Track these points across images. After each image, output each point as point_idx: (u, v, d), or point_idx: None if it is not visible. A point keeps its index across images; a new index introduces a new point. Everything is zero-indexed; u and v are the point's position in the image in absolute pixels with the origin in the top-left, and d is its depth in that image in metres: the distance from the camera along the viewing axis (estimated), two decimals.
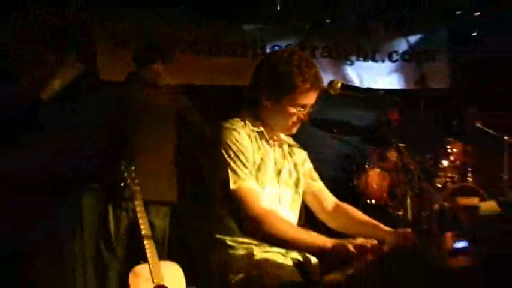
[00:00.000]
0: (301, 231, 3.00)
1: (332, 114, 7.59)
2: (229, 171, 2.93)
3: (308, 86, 3.11)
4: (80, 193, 6.25)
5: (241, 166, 2.96)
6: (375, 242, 2.91)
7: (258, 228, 2.90)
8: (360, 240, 2.87)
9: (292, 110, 3.14)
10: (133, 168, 5.02)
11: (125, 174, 4.96)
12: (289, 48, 3.25)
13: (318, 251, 2.99)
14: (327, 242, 2.91)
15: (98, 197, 5.98)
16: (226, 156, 2.96)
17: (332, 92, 3.39)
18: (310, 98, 3.16)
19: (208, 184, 3.02)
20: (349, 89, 3.57)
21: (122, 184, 4.97)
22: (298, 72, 3.09)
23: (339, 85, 3.38)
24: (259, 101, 3.16)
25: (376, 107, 3.56)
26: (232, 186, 2.90)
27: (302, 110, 3.17)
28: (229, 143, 2.99)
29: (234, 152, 2.97)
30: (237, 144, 3.00)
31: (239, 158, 2.97)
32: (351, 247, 2.82)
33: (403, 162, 4.15)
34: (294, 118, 3.18)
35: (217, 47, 8.06)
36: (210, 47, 8.03)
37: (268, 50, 8.05)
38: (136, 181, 4.95)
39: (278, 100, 3.12)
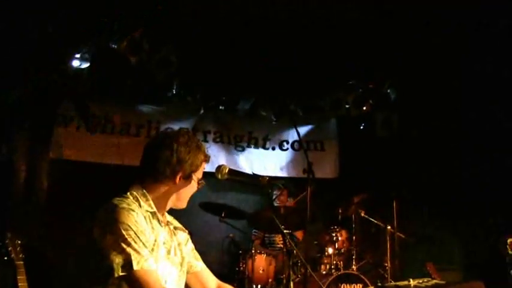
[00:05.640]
0: None
1: (220, 198, 7.71)
2: (131, 251, 2.95)
3: (207, 161, 3.36)
4: None
5: (142, 246, 2.99)
6: None
7: None
8: None
9: (195, 185, 3.33)
10: (19, 242, 4.88)
11: (10, 248, 4.80)
12: (181, 130, 3.33)
13: None
14: None
15: None
16: (127, 236, 2.97)
17: (219, 177, 3.52)
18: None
19: (105, 262, 2.99)
20: (236, 174, 3.68)
21: (5, 258, 4.80)
22: (200, 151, 3.31)
23: (226, 170, 3.53)
24: (163, 180, 3.24)
25: (263, 192, 3.66)
26: (135, 266, 2.92)
27: (201, 182, 3.36)
28: (129, 224, 3.00)
29: (135, 232, 3.00)
30: (137, 225, 3.03)
31: (140, 239, 3.00)
32: None
33: (287, 247, 4.25)
34: (195, 190, 3.37)
35: (111, 126, 8.11)
36: (105, 126, 8.07)
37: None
38: (20, 255, 4.80)
39: (189, 177, 3.28)
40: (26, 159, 7.15)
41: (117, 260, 2.93)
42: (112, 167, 7.79)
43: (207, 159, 3.36)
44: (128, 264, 2.93)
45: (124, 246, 2.94)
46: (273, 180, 7.86)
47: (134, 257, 2.93)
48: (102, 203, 3.11)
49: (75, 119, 7.86)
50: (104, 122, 8.04)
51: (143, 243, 3.00)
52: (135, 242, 2.96)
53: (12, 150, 7.06)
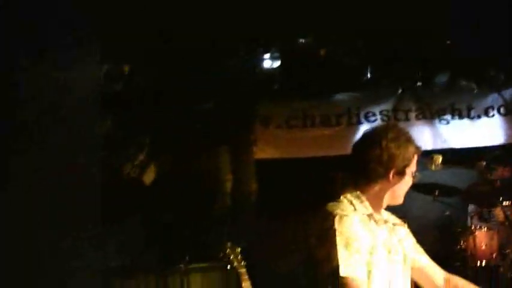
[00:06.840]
0: None
1: (432, 176, 7.53)
2: (340, 258, 2.96)
3: (418, 153, 3.26)
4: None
5: (354, 253, 2.99)
6: None
7: None
8: None
9: (410, 179, 3.24)
10: (239, 249, 5.02)
11: (231, 257, 4.95)
12: (389, 124, 3.30)
13: None
14: None
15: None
16: (339, 243, 2.99)
17: (433, 168, 3.43)
18: None
19: (317, 267, 3.05)
20: (449, 162, 3.59)
21: (228, 267, 4.97)
22: (410, 143, 3.22)
23: (439, 161, 3.42)
24: (376, 179, 3.21)
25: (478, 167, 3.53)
26: (342, 273, 2.94)
27: (415, 175, 3.28)
28: (342, 230, 3.02)
29: (346, 238, 3.00)
30: (350, 231, 3.04)
31: (351, 245, 3.00)
32: None
33: (509, 221, 4.09)
34: (410, 184, 3.28)
35: (311, 120, 8.24)
36: (304, 120, 8.21)
37: (362, 117, 8.21)
38: (242, 263, 4.93)
39: (402, 173, 3.19)
40: (229, 166, 7.41)
41: (328, 266, 2.99)
42: (314, 161, 7.85)
43: (418, 151, 3.27)
44: (336, 270, 2.96)
45: (335, 252, 2.97)
46: (484, 150, 7.59)
47: (343, 264, 2.96)
48: (309, 200, 3.15)
49: (274, 118, 8.07)
50: (302, 117, 8.18)
51: (355, 250, 3.01)
52: (346, 249, 2.98)
53: (216, 159, 7.35)
